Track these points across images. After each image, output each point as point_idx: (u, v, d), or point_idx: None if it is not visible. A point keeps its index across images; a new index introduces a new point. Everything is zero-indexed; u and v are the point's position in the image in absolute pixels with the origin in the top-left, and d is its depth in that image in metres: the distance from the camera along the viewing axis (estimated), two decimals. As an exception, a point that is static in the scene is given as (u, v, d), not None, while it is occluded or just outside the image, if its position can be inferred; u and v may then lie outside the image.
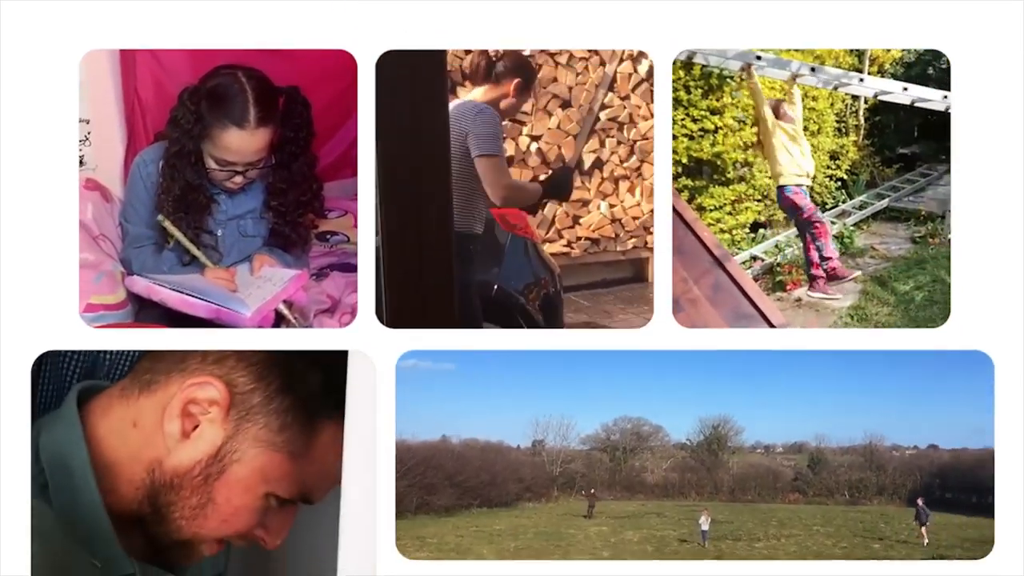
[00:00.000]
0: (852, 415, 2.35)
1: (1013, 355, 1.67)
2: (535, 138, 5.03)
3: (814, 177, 4.15)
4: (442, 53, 1.67)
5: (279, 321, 2.33)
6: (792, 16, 1.73)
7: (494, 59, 2.99)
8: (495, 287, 3.22)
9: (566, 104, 5.10)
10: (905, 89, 3.84)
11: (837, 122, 5.59)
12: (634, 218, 5.39)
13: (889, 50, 5.26)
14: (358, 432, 1.56)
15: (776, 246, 5.06)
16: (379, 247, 1.65)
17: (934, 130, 5.44)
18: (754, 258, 4.92)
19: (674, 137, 4.67)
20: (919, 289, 4.68)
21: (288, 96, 2.38)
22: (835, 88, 4.07)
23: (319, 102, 2.48)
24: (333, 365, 1.56)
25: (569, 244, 5.27)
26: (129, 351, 1.79)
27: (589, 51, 5.10)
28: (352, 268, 2.61)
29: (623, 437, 2.54)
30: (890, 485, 2.55)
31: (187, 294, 2.25)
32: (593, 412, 2.39)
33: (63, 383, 1.78)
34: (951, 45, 1.72)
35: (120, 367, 1.81)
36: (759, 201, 5.21)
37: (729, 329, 2.81)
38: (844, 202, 5.35)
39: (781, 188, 3.65)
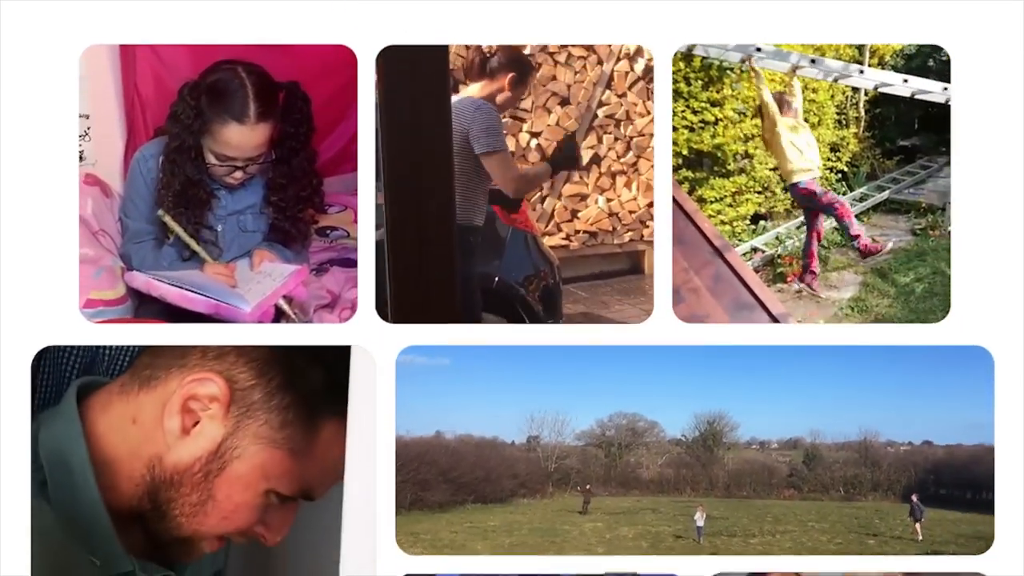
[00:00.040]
0: (847, 411, 2.35)
1: (1013, 350, 1.66)
2: (535, 134, 5.08)
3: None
4: (443, 48, 1.67)
5: (279, 317, 2.33)
6: (792, 11, 1.72)
7: (487, 55, 2.99)
8: (496, 279, 3.25)
9: (565, 101, 5.14)
10: (905, 81, 3.82)
11: (837, 114, 5.59)
12: (630, 212, 5.41)
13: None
14: (359, 428, 1.55)
15: (777, 238, 5.07)
16: (383, 242, 1.65)
17: (934, 122, 5.44)
18: (755, 249, 4.93)
19: (674, 129, 4.67)
20: (919, 281, 4.68)
21: (288, 91, 2.38)
22: (835, 80, 4.06)
23: (319, 97, 2.48)
24: (334, 362, 1.56)
25: (568, 237, 5.30)
26: (129, 347, 1.79)
27: (587, 50, 5.14)
28: (352, 263, 2.61)
29: (618, 433, 2.53)
30: (885, 481, 2.55)
31: (187, 289, 2.25)
32: (588, 408, 2.38)
33: (62, 379, 1.78)
34: (950, 38, 1.71)
35: (120, 363, 1.80)
36: (759, 193, 5.22)
37: (727, 324, 2.81)
38: (845, 194, 5.34)
39: (794, 184, 3.64)
